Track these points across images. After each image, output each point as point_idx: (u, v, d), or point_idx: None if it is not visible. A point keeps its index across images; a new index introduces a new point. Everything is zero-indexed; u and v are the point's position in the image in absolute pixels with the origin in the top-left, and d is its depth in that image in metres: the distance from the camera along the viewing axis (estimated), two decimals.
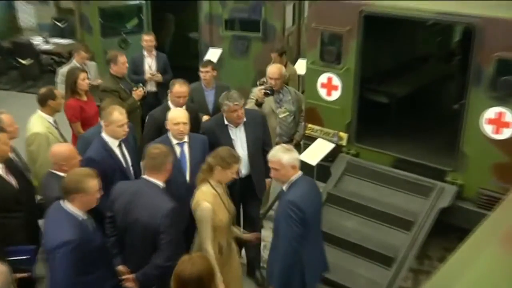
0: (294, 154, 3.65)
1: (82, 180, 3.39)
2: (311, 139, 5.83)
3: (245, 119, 4.61)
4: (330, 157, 5.66)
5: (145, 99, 6.44)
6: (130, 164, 4.41)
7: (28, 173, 4.57)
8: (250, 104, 5.51)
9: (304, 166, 5.10)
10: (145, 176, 3.80)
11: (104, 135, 4.36)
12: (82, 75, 5.63)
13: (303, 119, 5.81)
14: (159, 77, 7.16)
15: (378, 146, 5.70)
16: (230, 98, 4.47)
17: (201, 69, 5.81)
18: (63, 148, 4.14)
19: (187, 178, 4.32)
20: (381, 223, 5.13)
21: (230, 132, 4.63)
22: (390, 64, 7.04)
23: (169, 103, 5.08)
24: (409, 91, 6.81)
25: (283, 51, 7.02)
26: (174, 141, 4.37)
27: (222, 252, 3.89)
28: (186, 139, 4.41)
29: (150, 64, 7.24)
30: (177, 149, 4.37)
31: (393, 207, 5.19)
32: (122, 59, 6.20)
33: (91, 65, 7.21)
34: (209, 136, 4.57)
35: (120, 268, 3.81)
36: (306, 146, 5.77)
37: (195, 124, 4.90)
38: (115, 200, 3.78)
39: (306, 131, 5.92)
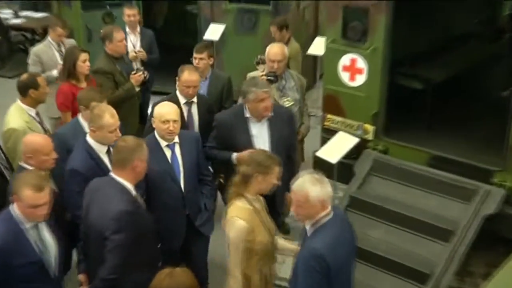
0: (326, 187, 3.30)
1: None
2: (330, 133, 5.79)
3: (271, 114, 4.55)
4: (354, 154, 5.64)
5: (145, 85, 6.45)
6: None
7: (7, 170, 4.65)
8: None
9: (322, 164, 5.28)
10: (111, 173, 3.82)
11: (89, 139, 4.28)
12: (83, 56, 5.61)
13: (307, 109, 5.84)
14: (143, 54, 7.15)
15: (411, 141, 5.68)
16: (257, 84, 4.40)
17: (195, 55, 5.66)
18: (37, 139, 4.15)
19: (182, 186, 4.32)
20: (413, 233, 5.13)
21: (251, 126, 4.57)
22: (425, 44, 7.02)
23: (177, 93, 5.10)
24: (447, 76, 6.77)
25: (283, 24, 6.95)
26: (163, 143, 4.33)
27: (267, 282, 3.75)
28: (176, 139, 4.37)
29: (134, 42, 7.25)
30: (167, 153, 4.34)
31: (428, 214, 5.18)
32: (119, 35, 6.20)
33: (69, 43, 7.12)
34: (222, 131, 4.56)
35: (80, 277, 3.90)
36: (325, 140, 5.75)
37: (209, 119, 4.92)
38: (84, 199, 3.87)
39: (325, 123, 5.94)
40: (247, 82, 4.61)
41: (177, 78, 5.04)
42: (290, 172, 4.09)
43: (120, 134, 4.16)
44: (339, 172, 5.50)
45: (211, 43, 7.20)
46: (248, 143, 4.46)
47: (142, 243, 3.69)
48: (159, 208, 4.18)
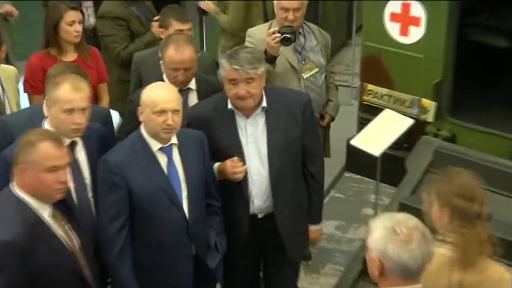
0: (424, 248, 2.83)
1: None
2: (371, 111, 5.61)
3: (265, 104, 4.02)
4: (405, 142, 5.41)
5: None
6: (87, 182, 3.86)
7: None
8: None
9: (359, 157, 5.11)
10: (10, 184, 3.46)
11: (46, 126, 3.89)
12: (70, 16, 5.04)
13: (333, 79, 5.41)
14: None
15: (489, 124, 5.41)
16: (234, 56, 3.96)
17: (177, 25, 5.02)
18: None
19: (185, 208, 3.84)
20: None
21: (239, 123, 4.08)
22: None
23: (164, 76, 4.54)
24: None
25: None
26: (155, 145, 3.80)
27: None
28: (174, 139, 3.84)
29: None
30: (162, 160, 3.78)
31: None
32: None
33: None
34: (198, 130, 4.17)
35: None
36: (364, 123, 5.53)
37: None
38: None
39: (364, 97, 5.70)
40: (226, 54, 4.18)
41: (159, 55, 4.57)
42: (310, 195, 4.12)
43: (85, 123, 3.79)
44: (384, 169, 5.31)
45: None
46: (234, 148, 4.05)
47: None
48: (152, 245, 3.85)
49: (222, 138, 4.15)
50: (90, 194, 3.77)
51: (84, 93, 3.81)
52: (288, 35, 4.92)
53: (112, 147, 3.98)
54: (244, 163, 3.97)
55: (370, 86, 5.65)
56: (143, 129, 3.88)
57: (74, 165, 3.76)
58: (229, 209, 4.07)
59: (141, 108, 3.88)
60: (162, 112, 3.82)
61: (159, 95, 3.89)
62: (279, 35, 4.89)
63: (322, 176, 4.51)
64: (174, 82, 4.53)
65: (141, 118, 3.89)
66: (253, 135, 4.18)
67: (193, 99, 4.62)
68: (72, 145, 3.80)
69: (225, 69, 4.02)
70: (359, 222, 5.85)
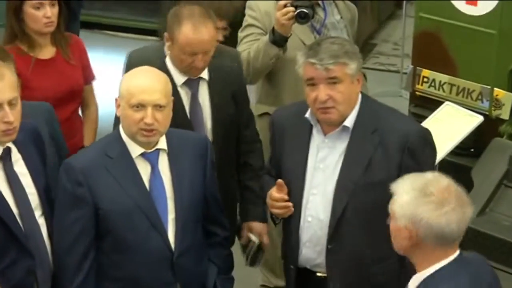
0: (459, 210, 2.98)
1: None
2: (427, 105, 5.41)
3: (351, 121, 3.76)
4: (472, 146, 5.25)
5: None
6: (33, 199, 3.71)
7: None
8: (252, 44, 4.91)
9: None
10: None
11: None
12: None
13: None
14: None
15: None
16: (314, 47, 3.75)
17: None
18: None
19: (170, 235, 3.77)
20: None
21: (314, 139, 3.86)
22: None
23: (167, 61, 4.30)
24: None
25: None
26: (135, 150, 3.64)
27: None
28: (163, 143, 3.74)
29: None
30: (143, 168, 3.70)
31: None
32: None
33: None
34: (276, 141, 4.08)
35: None
36: (416, 121, 4.95)
37: (233, 114, 4.50)
38: None
39: (418, 86, 5.51)
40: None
41: (164, 33, 4.37)
42: None
43: (15, 120, 3.58)
44: None
45: None
46: (293, 173, 3.88)
47: None
48: (124, 284, 3.68)
49: (288, 156, 3.88)
50: (38, 214, 3.61)
51: (7, 80, 3.53)
52: (305, 10, 4.66)
53: (61, 147, 3.96)
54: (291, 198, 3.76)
55: (426, 72, 5.42)
56: (121, 128, 3.65)
57: (14, 181, 3.57)
58: None
59: (118, 99, 3.64)
60: (140, 106, 3.55)
61: (137, 84, 3.63)
62: (292, 8, 4.62)
63: None
64: (188, 70, 4.31)
65: (118, 113, 3.67)
66: (327, 159, 3.80)
67: (203, 92, 4.42)
68: (6, 153, 3.55)
69: (301, 64, 3.73)
70: None
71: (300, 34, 4.77)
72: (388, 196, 3.44)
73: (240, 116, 4.51)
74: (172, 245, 3.69)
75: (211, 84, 4.37)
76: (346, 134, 3.71)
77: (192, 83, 4.32)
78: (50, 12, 4.65)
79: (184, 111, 4.35)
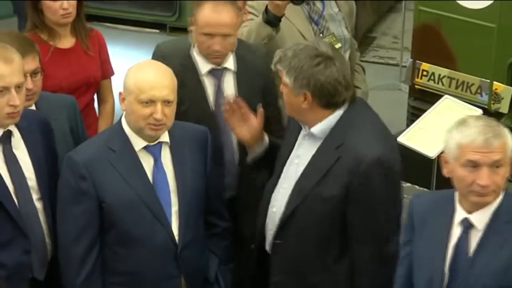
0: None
1: None
2: (426, 98, 5.43)
3: (318, 131, 3.81)
4: None
5: None
6: (31, 184, 3.75)
7: None
8: (248, 27, 4.77)
9: (409, 159, 4.66)
10: None
11: None
12: None
13: (359, 59, 5.26)
14: None
15: None
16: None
17: None
18: None
19: (174, 228, 3.77)
20: None
21: (300, 134, 3.94)
22: None
23: (193, 51, 4.31)
24: None
25: None
26: (138, 143, 3.75)
27: None
28: (166, 137, 3.80)
29: None
30: (146, 161, 3.80)
31: None
32: None
33: None
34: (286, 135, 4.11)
35: None
36: (415, 115, 5.36)
37: (265, 109, 4.31)
38: None
39: (417, 80, 5.53)
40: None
41: (190, 17, 4.39)
42: None
43: (20, 104, 3.62)
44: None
45: None
46: (279, 165, 3.95)
47: None
48: (128, 277, 3.69)
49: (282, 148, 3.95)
50: (36, 197, 3.65)
51: (16, 65, 3.59)
52: None
53: (80, 142, 3.93)
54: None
55: (425, 65, 5.46)
56: (124, 122, 3.66)
57: (12, 163, 3.63)
58: None
59: (123, 93, 3.64)
60: (150, 102, 3.58)
61: (147, 79, 3.63)
62: None
63: None
64: (208, 54, 4.30)
65: (122, 107, 3.67)
66: (300, 158, 3.85)
67: (229, 83, 4.39)
68: (6, 136, 3.60)
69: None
70: None
71: (298, 25, 4.74)
72: (333, 215, 3.69)
73: (267, 111, 4.40)
74: (176, 238, 3.71)
75: (238, 75, 4.36)
76: (319, 139, 3.76)
77: (217, 73, 4.31)
78: (67, 4, 4.66)
79: (207, 102, 4.35)
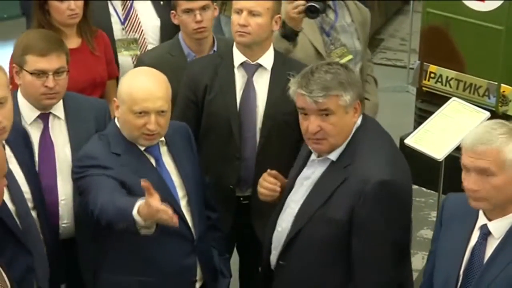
0: None
1: None
2: (433, 100, 5.43)
3: (335, 156, 3.70)
4: None
5: None
6: (27, 197, 3.77)
7: None
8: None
9: (416, 160, 4.71)
10: None
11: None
12: None
13: (372, 69, 5.15)
14: None
15: None
16: (306, 75, 3.64)
17: (186, 4, 4.72)
18: None
19: (188, 220, 3.85)
20: None
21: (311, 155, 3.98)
22: None
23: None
24: None
25: None
26: (140, 146, 3.87)
27: None
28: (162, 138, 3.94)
29: None
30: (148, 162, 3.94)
31: None
32: None
33: None
34: None
35: None
36: (423, 117, 5.29)
37: (293, 113, 4.10)
38: None
39: (425, 82, 5.53)
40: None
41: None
42: None
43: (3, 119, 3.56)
44: (449, 177, 4.88)
45: None
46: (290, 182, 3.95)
47: None
48: (147, 271, 3.73)
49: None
50: (31, 206, 3.66)
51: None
52: (315, 4, 4.53)
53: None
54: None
55: (433, 67, 5.47)
56: (116, 122, 3.74)
57: (9, 178, 3.53)
58: None
59: (117, 101, 3.66)
60: (142, 113, 3.61)
61: (140, 90, 3.63)
62: (303, 2, 4.51)
63: None
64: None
65: (116, 114, 3.70)
66: (308, 180, 3.72)
67: (263, 80, 4.31)
68: None
69: (293, 92, 3.56)
70: (416, 247, 5.40)
71: (309, 35, 4.73)
72: (338, 239, 3.55)
73: (296, 120, 4.35)
74: (192, 230, 3.76)
75: (273, 72, 4.31)
76: (329, 161, 3.66)
77: (249, 67, 4.27)
78: (74, 5, 4.67)
79: (234, 95, 4.33)
